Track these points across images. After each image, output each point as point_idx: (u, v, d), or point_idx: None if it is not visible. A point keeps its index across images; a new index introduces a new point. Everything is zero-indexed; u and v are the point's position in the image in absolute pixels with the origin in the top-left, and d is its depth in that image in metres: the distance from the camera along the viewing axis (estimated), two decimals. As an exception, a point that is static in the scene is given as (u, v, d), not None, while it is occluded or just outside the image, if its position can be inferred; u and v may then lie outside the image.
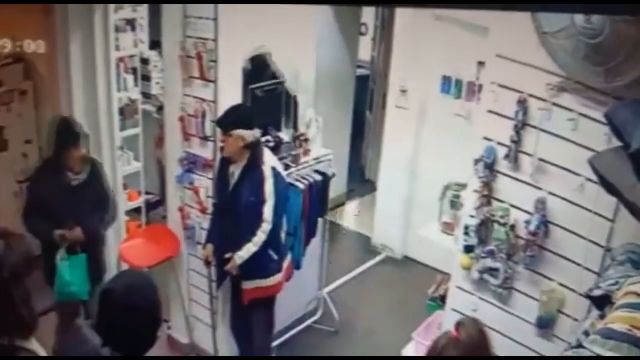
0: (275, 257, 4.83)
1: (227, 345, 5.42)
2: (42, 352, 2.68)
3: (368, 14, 8.04)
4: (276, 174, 4.66)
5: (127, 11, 5.50)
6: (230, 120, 4.59)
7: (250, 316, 5.02)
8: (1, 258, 2.57)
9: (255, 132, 4.65)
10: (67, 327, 2.88)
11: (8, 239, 2.63)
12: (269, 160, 4.70)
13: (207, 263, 4.98)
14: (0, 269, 2.55)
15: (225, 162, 4.77)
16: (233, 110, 4.67)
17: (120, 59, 5.67)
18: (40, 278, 4.68)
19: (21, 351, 2.59)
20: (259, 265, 4.77)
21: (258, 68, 5.33)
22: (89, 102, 5.63)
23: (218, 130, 4.75)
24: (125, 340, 2.58)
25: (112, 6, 5.42)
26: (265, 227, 4.62)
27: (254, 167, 4.63)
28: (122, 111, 5.84)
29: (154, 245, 5.50)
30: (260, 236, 4.62)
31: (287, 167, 5.24)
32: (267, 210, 4.60)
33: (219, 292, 5.27)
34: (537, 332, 4.07)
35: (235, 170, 4.69)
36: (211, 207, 5.11)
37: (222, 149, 4.72)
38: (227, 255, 4.72)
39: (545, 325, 4.01)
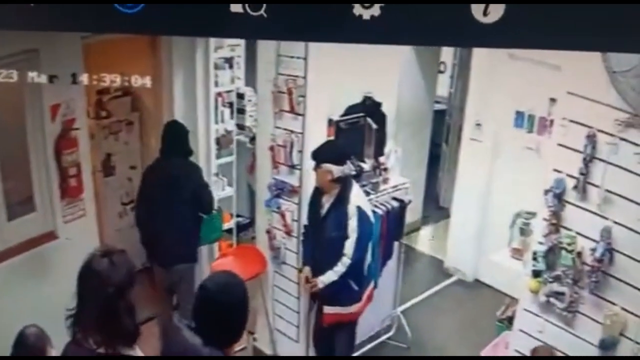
0: (355, 287, 4.86)
1: (308, 358, 5.48)
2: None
3: (447, 53, 8.07)
4: (361, 213, 4.70)
5: (225, 50, 5.63)
6: (320, 155, 4.68)
7: (332, 334, 5.07)
8: (107, 275, 2.64)
9: (345, 169, 4.72)
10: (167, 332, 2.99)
11: (112, 257, 2.69)
12: (356, 198, 4.74)
13: (309, 282, 4.99)
14: (105, 285, 2.62)
15: (319, 190, 4.84)
16: (324, 146, 4.78)
17: (219, 94, 5.81)
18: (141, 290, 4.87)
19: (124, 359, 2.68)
20: (340, 294, 4.83)
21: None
22: (189, 132, 5.76)
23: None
24: (217, 332, 2.68)
25: (212, 46, 5.58)
26: (345, 261, 4.68)
27: (340, 204, 4.69)
28: (218, 141, 5.97)
29: (243, 263, 5.58)
30: (340, 268, 4.69)
31: (367, 194, 5.28)
32: (349, 246, 4.67)
33: (301, 308, 5.37)
34: (600, 353, 4.01)
35: (326, 203, 4.76)
36: (303, 229, 5.18)
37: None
38: (311, 281, 4.85)
39: (607, 347, 3.96)
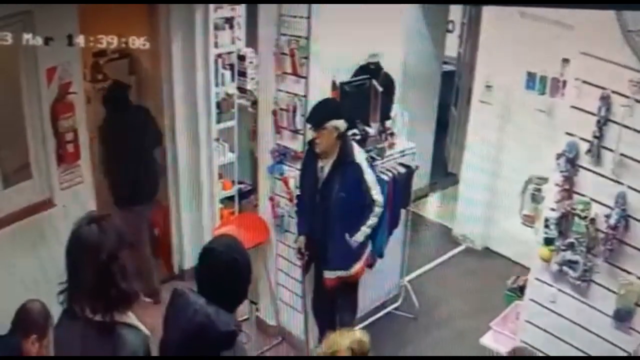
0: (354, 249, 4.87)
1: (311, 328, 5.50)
2: (141, 326, 2.76)
3: (456, 11, 7.99)
4: (372, 165, 4.77)
5: (226, 10, 5.62)
6: (321, 115, 4.65)
7: (334, 299, 5.08)
8: (98, 242, 2.61)
9: (344, 122, 4.70)
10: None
11: (99, 223, 2.66)
12: (359, 154, 4.75)
13: (301, 254, 5.07)
14: (98, 252, 2.60)
15: (313, 157, 4.81)
16: (321, 105, 4.73)
17: (219, 56, 5.80)
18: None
19: (120, 326, 2.67)
20: (340, 257, 4.83)
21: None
22: (188, 96, 5.80)
23: (308, 126, 4.81)
24: (222, 294, 2.73)
25: (212, 5, 5.55)
26: (378, 210, 4.70)
27: (346, 163, 4.66)
28: (219, 105, 5.97)
29: (245, 231, 5.54)
30: (373, 220, 4.71)
31: (373, 159, 5.26)
32: (377, 194, 4.68)
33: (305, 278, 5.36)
34: (615, 324, 4.00)
35: (325, 166, 4.72)
36: (295, 199, 5.19)
37: (313, 144, 4.76)
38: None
39: (623, 318, 3.95)
